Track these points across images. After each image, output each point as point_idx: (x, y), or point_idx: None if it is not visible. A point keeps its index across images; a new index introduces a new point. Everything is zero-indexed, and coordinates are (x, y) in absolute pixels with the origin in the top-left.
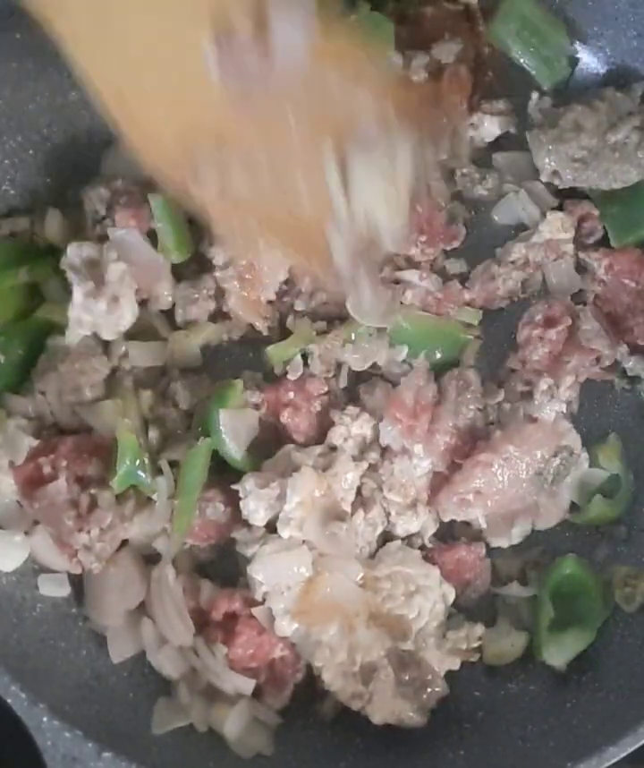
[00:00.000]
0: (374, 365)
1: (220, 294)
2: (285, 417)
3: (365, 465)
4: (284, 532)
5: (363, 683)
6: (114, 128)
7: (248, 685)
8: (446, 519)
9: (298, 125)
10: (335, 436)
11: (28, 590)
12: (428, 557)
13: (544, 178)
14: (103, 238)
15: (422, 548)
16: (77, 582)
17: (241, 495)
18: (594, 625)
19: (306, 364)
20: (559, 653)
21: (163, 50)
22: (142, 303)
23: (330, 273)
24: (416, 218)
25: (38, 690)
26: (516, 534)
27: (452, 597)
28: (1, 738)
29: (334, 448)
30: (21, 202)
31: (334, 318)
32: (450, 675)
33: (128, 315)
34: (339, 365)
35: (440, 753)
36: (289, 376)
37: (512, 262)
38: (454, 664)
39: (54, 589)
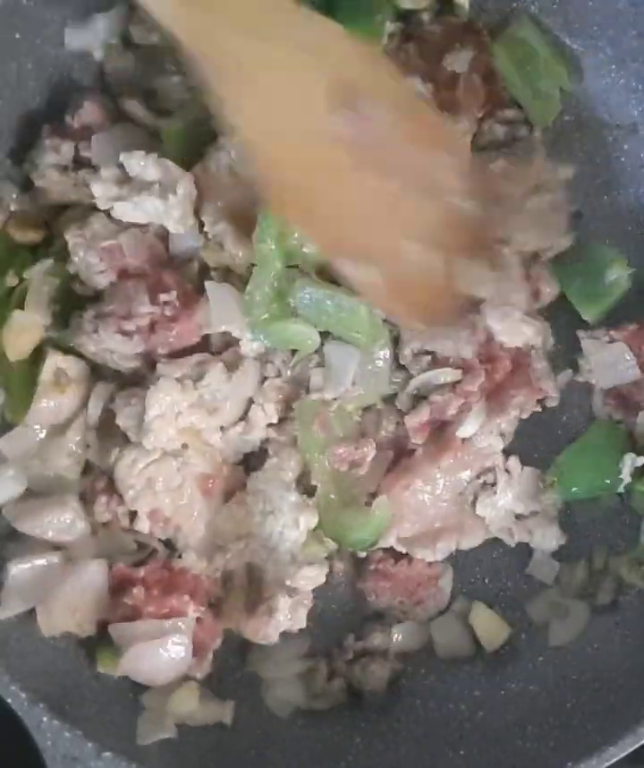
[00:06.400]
0: None
1: None
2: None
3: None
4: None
5: (222, 586)
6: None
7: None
8: None
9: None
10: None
11: None
12: (380, 569)
13: None
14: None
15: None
16: None
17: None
18: None
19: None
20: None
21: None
22: None
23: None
24: None
25: (38, 690)
26: (440, 550)
27: (313, 523)
28: (1, 738)
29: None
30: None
31: None
32: (450, 674)
33: None
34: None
35: (440, 753)
36: None
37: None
38: (305, 583)
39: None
